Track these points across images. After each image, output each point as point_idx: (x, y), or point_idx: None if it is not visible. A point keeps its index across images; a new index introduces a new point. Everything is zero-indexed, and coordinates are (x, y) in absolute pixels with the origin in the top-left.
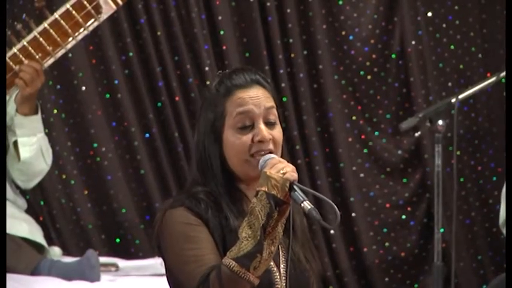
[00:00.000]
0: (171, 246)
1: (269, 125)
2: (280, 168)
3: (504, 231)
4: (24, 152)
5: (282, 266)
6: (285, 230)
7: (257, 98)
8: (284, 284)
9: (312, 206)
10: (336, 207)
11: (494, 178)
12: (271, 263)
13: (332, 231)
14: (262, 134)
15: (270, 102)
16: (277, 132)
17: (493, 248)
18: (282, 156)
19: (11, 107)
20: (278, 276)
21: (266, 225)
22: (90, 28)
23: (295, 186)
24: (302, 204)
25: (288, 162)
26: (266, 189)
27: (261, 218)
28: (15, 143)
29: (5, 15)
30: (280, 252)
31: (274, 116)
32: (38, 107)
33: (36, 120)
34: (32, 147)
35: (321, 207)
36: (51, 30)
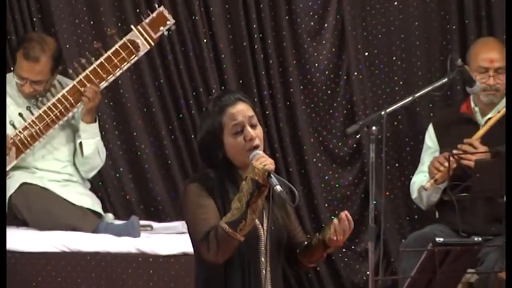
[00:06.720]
0: (188, 211)
1: (253, 127)
2: (262, 161)
3: (418, 202)
4: (87, 150)
5: (264, 223)
6: (267, 199)
7: (242, 111)
8: (265, 237)
9: (282, 189)
10: (295, 189)
11: (410, 167)
12: (257, 222)
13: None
14: (251, 134)
15: (251, 112)
16: (259, 131)
17: (409, 214)
18: (264, 148)
19: (78, 115)
20: (262, 231)
21: (249, 200)
22: (132, 62)
23: (271, 175)
24: (275, 187)
25: (269, 156)
26: (251, 176)
27: (246, 195)
28: (80, 144)
29: (5, 15)
30: (264, 214)
31: (255, 120)
32: (96, 117)
33: (95, 127)
34: (92, 147)
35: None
36: (106, 63)
